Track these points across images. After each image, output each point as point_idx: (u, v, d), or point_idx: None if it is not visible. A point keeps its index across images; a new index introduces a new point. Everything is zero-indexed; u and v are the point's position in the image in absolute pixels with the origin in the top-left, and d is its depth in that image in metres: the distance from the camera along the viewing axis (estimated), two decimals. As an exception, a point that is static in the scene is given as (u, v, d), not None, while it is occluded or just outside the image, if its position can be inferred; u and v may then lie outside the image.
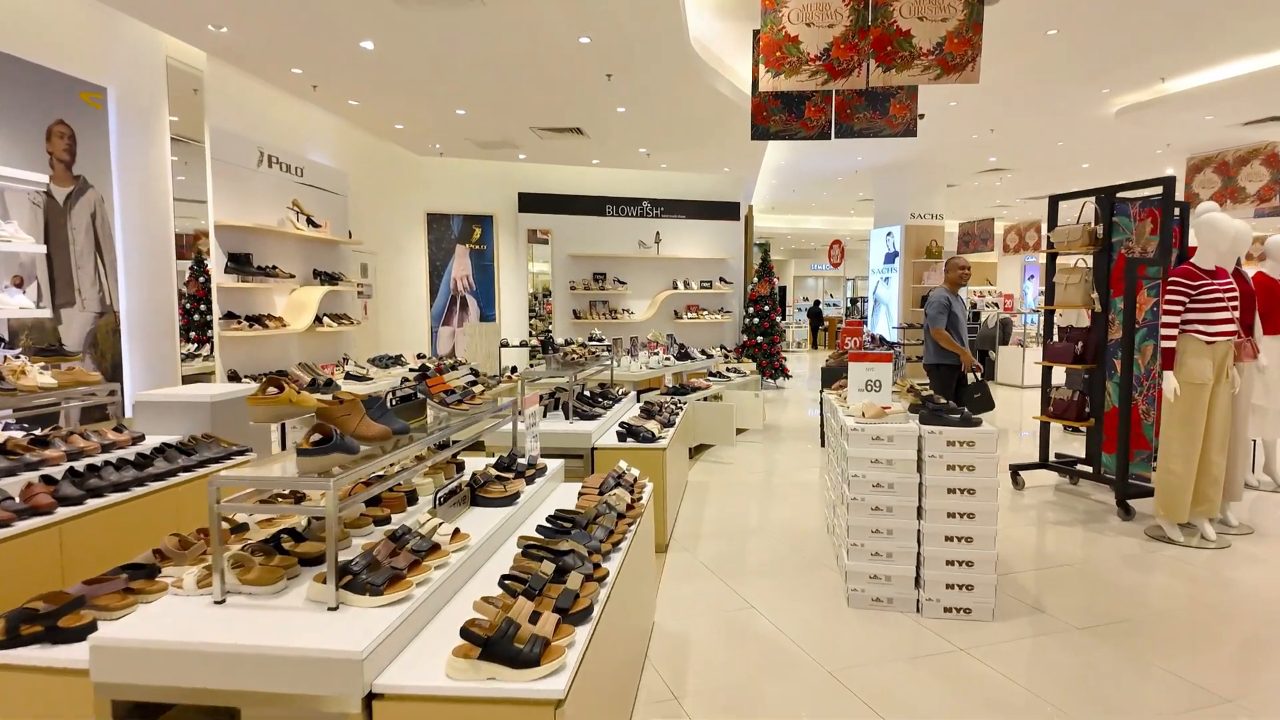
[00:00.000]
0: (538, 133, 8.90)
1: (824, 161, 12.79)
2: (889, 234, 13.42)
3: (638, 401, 6.66)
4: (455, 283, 11.07)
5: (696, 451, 6.89)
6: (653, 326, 11.67)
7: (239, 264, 6.81)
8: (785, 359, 12.20)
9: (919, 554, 3.41)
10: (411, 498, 2.59)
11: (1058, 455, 5.99)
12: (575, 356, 4.76)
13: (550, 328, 11.35)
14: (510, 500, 2.63)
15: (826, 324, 25.31)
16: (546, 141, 9.41)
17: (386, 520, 2.36)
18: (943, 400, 3.70)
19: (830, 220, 21.58)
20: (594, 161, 10.81)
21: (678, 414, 5.19)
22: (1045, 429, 5.90)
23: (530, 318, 11.31)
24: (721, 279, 12.08)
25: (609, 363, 5.75)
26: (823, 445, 7.23)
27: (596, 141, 9.42)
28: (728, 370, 8.43)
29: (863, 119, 6.54)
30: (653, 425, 4.32)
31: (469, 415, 2.76)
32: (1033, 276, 28.19)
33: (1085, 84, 8.29)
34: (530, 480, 2.93)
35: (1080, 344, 5.44)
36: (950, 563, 3.35)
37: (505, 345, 9.47)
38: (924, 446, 3.38)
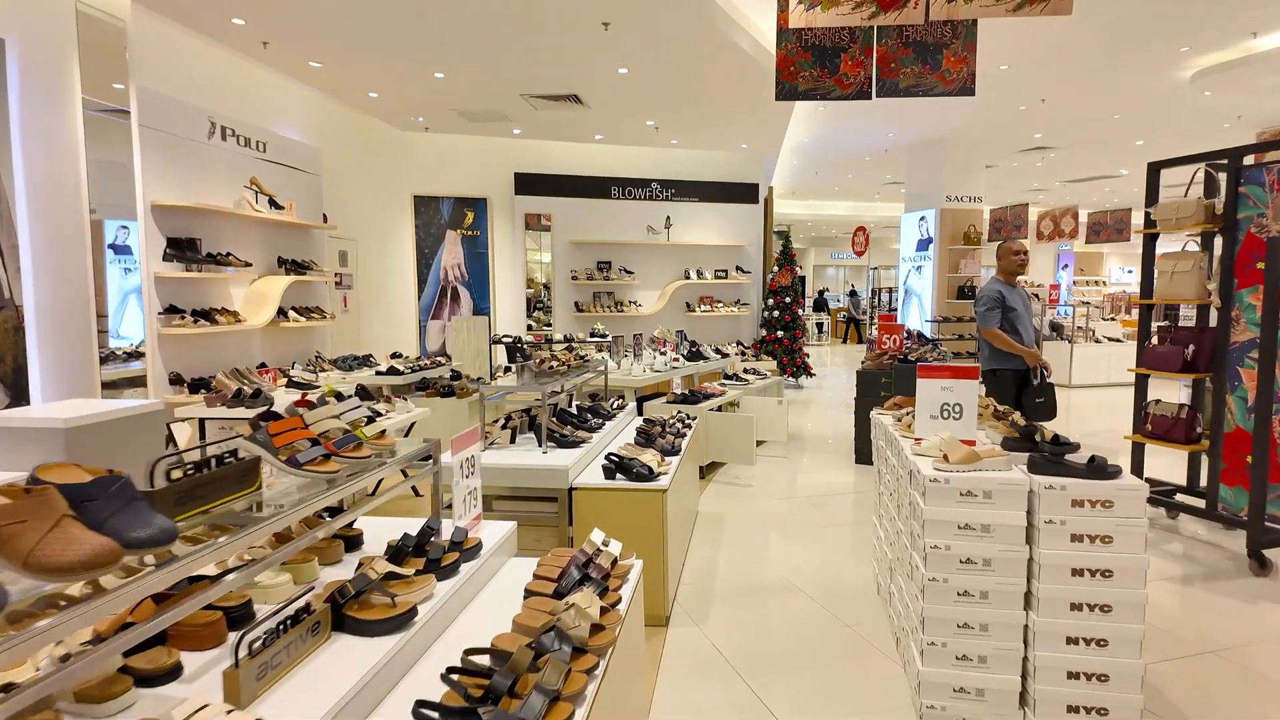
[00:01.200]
0: (530, 101, 7.85)
1: (852, 139, 11.65)
2: (922, 218, 12.26)
3: (639, 414, 5.64)
4: (446, 272, 10.09)
5: (709, 470, 5.86)
6: (662, 320, 10.62)
7: (181, 250, 5.85)
8: (808, 355, 11.12)
9: (1027, 660, 2.37)
10: (243, 615, 1.59)
11: (1151, 481, 4.90)
12: (554, 365, 3.74)
13: (549, 322, 10.34)
14: (400, 623, 1.61)
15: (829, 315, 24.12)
16: (542, 113, 8.36)
17: (164, 674, 1.36)
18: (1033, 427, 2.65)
19: (853, 206, 20.38)
20: (597, 137, 9.75)
21: (684, 435, 4.15)
22: (1139, 452, 4.81)
23: (534, 310, 10.30)
24: (738, 268, 11.00)
25: (601, 368, 4.72)
26: (858, 462, 6.18)
27: (597, 113, 8.36)
28: (745, 371, 7.38)
29: (910, 74, 5.46)
30: (651, 457, 3.29)
31: (345, 477, 1.75)
32: (1066, 266, 26.83)
33: (1165, 38, 7.11)
34: (451, 571, 1.92)
35: (1191, 347, 4.34)
36: (1074, 675, 2.30)
37: (498, 342, 8.47)
38: (1037, 507, 2.33)
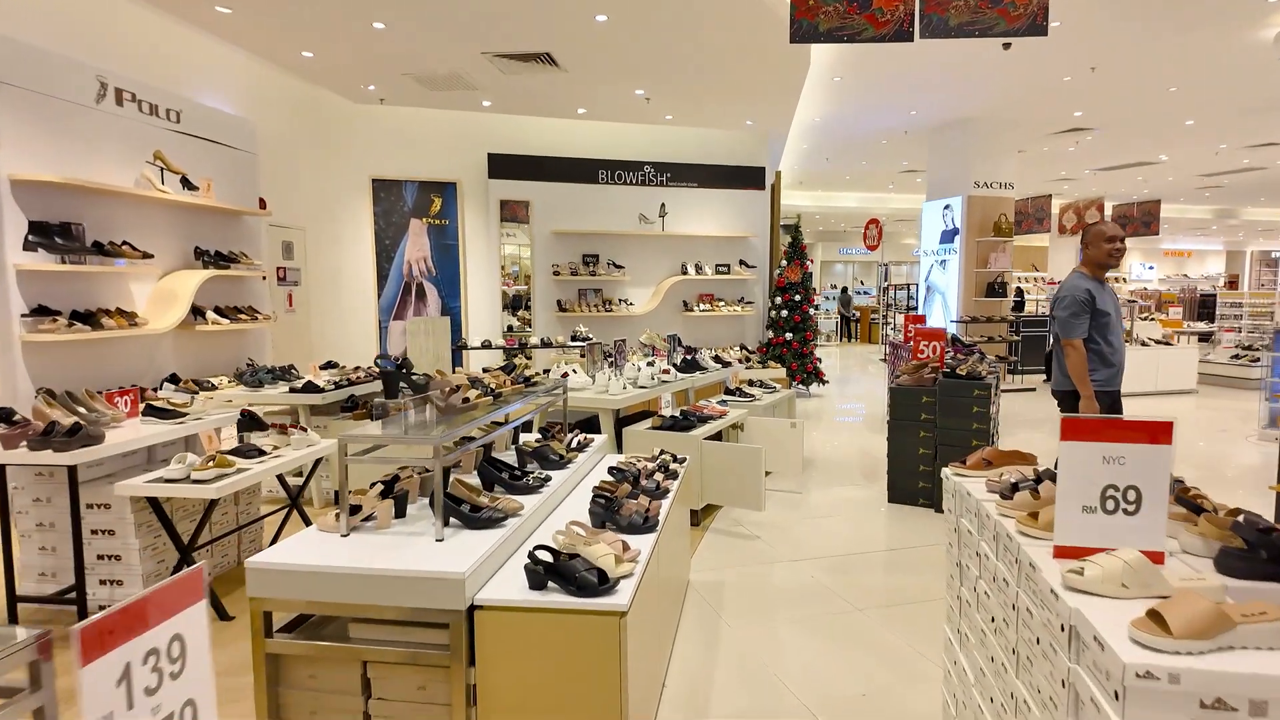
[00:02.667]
0: (495, 63, 6.63)
1: (870, 118, 10.41)
2: (946, 207, 11.02)
3: (616, 449, 4.42)
4: (410, 266, 8.89)
5: (705, 513, 4.65)
6: (656, 321, 9.41)
7: (49, 236, 4.66)
8: (820, 361, 9.91)
9: None
10: None
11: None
12: (468, 399, 2.53)
13: (530, 321, 9.13)
14: None
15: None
16: (512, 79, 7.14)
17: None
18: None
19: (864, 198, 19.12)
20: (580, 111, 8.52)
21: (667, 492, 2.94)
22: (1285, 504, 3.59)
23: (512, 309, 9.10)
24: (742, 262, 9.78)
25: (558, 389, 3.50)
26: (892, 500, 4.97)
27: (577, 78, 7.14)
28: (751, 384, 6.16)
29: (963, 8, 4.26)
30: (604, 551, 2.06)
31: None
32: (1089, 261, 25.48)
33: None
34: None
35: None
36: None
37: (464, 347, 7.27)
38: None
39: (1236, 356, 11.08)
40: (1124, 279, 26.06)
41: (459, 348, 7.24)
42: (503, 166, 8.92)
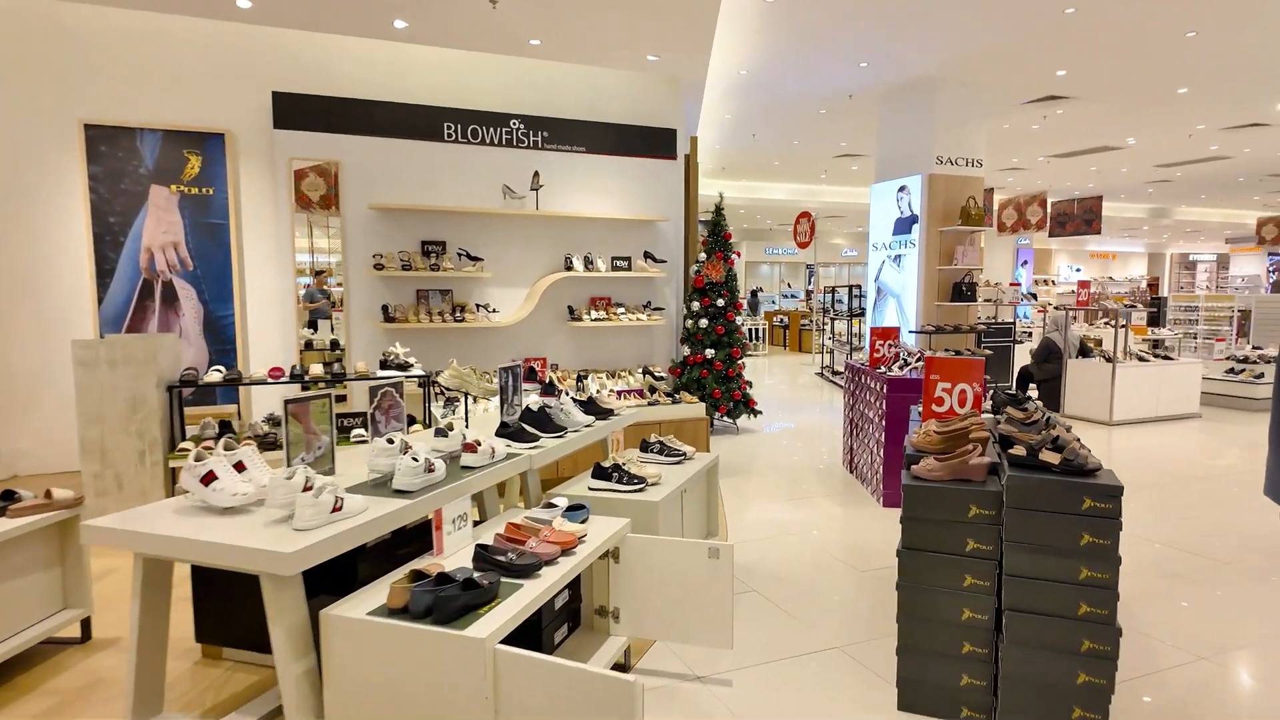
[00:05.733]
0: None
1: (809, 76, 8.11)
2: (902, 189, 8.84)
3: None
4: (150, 256, 5.97)
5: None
6: (528, 335, 6.82)
7: None
8: (749, 386, 7.51)
9: None
10: None
11: None
12: None
13: (339, 341, 6.35)
14: None
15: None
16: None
17: None
18: None
19: (795, 189, 17.05)
20: (398, 25, 5.79)
21: None
22: None
23: (314, 325, 6.29)
24: (648, 254, 7.28)
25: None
26: (903, 708, 2.53)
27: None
28: (647, 448, 3.64)
29: None
30: None
31: None
32: (1026, 263, 24.36)
33: None
34: None
35: None
36: None
37: (190, 384, 4.46)
38: None
39: (1233, 371, 9.34)
40: (1053, 281, 25.08)
41: (182, 384, 4.43)
42: (296, 112, 6.11)
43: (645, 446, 3.67)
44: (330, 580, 2.53)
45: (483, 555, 2.25)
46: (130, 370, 4.25)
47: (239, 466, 2.31)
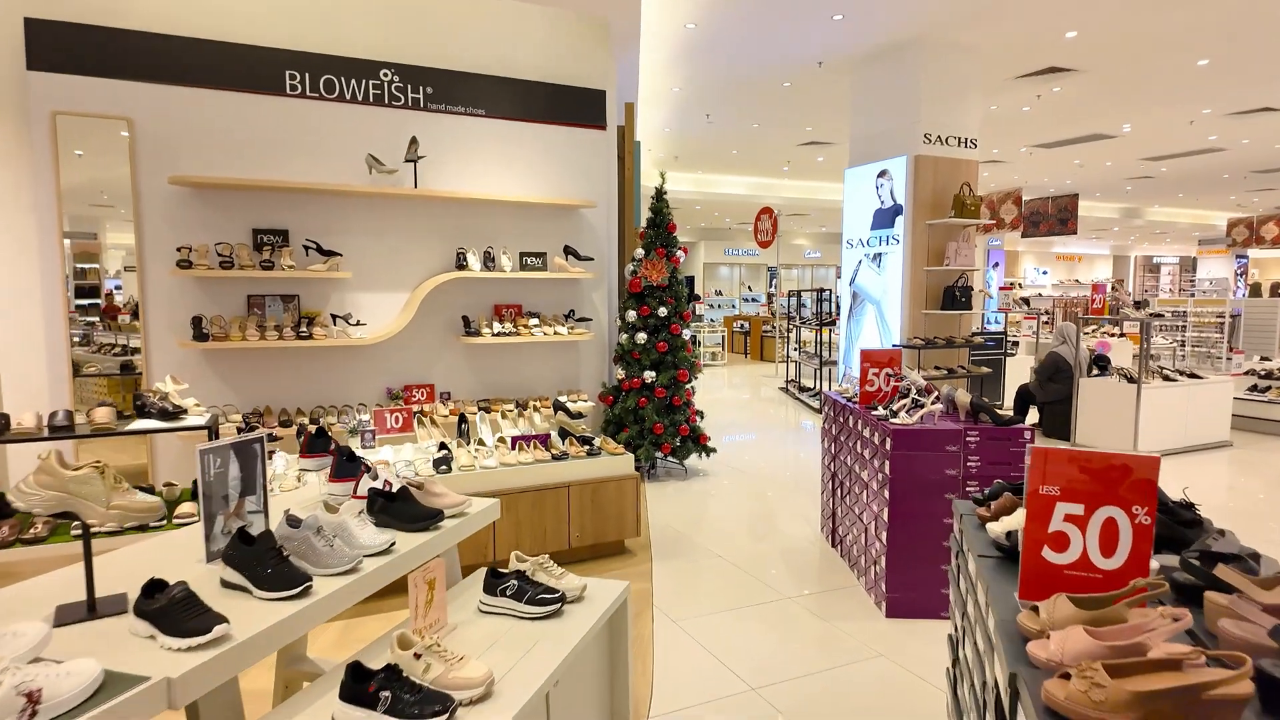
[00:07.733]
0: None
1: (771, 37, 6.58)
2: (882, 174, 7.37)
3: None
4: None
5: None
6: (407, 356, 5.16)
7: None
8: (699, 417, 5.93)
9: None
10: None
11: None
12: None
13: (132, 364, 4.59)
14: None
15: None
16: None
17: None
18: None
19: (755, 184, 15.59)
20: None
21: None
22: None
23: (88, 336, 4.51)
24: (569, 250, 5.65)
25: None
26: None
27: None
28: (511, 589, 2.02)
29: None
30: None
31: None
32: (997, 265, 23.33)
33: None
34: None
35: None
36: None
37: None
38: None
39: (1256, 388, 8.09)
40: (1020, 284, 24.16)
41: None
42: (61, 49, 4.34)
43: (494, 582, 2.04)
44: None
45: None
46: None
47: None
